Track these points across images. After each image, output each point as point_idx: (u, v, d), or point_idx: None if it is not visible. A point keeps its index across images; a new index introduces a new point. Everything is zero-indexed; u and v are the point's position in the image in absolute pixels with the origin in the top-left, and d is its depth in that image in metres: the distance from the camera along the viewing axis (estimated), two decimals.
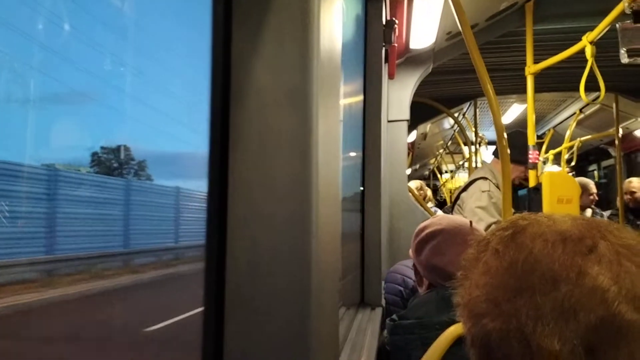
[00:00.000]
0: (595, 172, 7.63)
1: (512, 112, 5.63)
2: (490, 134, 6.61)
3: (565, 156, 5.71)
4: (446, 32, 2.62)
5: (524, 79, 2.73)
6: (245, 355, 0.54)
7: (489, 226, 2.20)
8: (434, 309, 1.13)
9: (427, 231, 1.29)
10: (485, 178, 2.43)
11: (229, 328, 0.54)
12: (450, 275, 1.23)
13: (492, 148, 3.00)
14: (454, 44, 2.80)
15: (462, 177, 8.45)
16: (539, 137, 5.83)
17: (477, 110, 5.28)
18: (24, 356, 3.51)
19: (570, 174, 6.51)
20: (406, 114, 2.75)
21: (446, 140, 7.98)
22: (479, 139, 5.67)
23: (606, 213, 4.38)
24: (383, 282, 1.85)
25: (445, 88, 4.12)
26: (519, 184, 2.82)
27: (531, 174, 2.78)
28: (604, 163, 7.48)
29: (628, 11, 1.88)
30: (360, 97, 1.96)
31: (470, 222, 1.29)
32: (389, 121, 2.61)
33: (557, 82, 3.83)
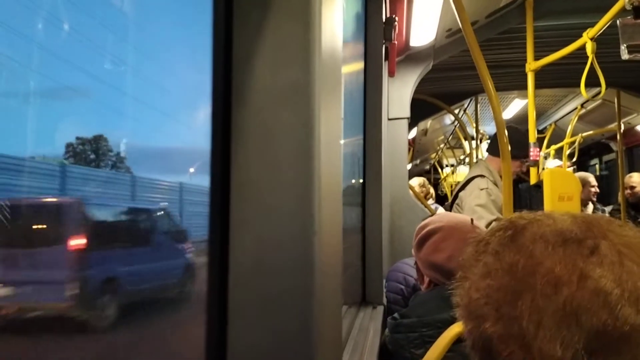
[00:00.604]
0: (597, 167, 7.62)
1: (513, 108, 5.62)
2: (491, 129, 6.60)
3: (567, 151, 5.70)
4: (446, 29, 2.62)
5: (525, 75, 2.72)
6: (249, 353, 0.54)
7: (489, 224, 2.20)
8: (435, 307, 1.13)
9: (427, 228, 1.29)
10: (482, 176, 2.43)
11: (233, 325, 0.54)
12: (449, 272, 1.23)
13: None
14: (454, 41, 2.80)
15: (463, 172, 8.41)
16: (540, 132, 5.82)
17: (478, 105, 5.28)
18: None
19: (571, 168, 6.51)
20: (407, 112, 2.75)
21: (447, 135, 7.96)
22: (479, 135, 5.66)
23: (607, 208, 4.37)
24: (384, 281, 1.86)
25: (445, 85, 4.12)
26: (517, 178, 2.82)
27: (532, 170, 2.78)
28: (606, 157, 7.47)
29: (628, 7, 1.87)
30: (361, 95, 1.96)
31: (472, 219, 1.29)
32: (389, 119, 2.61)
33: (558, 78, 3.82)
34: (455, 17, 1.53)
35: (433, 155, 10.46)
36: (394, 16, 2.12)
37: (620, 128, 4.45)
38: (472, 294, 0.51)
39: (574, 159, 5.82)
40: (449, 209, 2.71)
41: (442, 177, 10.55)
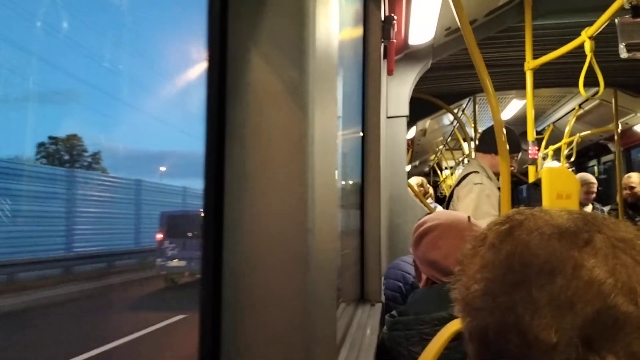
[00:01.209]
0: (595, 168, 7.62)
1: (512, 108, 5.62)
2: None
3: (565, 152, 5.70)
4: (445, 28, 2.61)
5: (523, 74, 2.72)
6: (243, 353, 0.54)
7: (485, 219, 2.20)
8: (433, 304, 1.13)
9: (424, 226, 1.29)
10: (477, 172, 2.43)
11: (226, 325, 0.54)
12: (446, 269, 1.23)
13: None
14: (453, 40, 2.80)
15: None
16: (538, 132, 5.82)
17: (477, 106, 5.28)
18: None
19: (570, 169, 6.51)
20: (405, 110, 2.75)
21: (446, 136, 7.97)
22: (478, 135, 5.66)
23: (606, 208, 4.38)
24: (383, 278, 1.86)
25: (444, 84, 4.12)
26: (514, 180, 2.82)
27: (530, 169, 2.78)
28: (604, 158, 7.48)
29: (627, 6, 1.87)
30: (360, 94, 1.96)
31: (469, 217, 1.29)
32: (388, 117, 2.61)
33: (557, 77, 3.82)
34: (454, 16, 1.53)
35: (432, 157, 10.46)
36: (392, 14, 2.12)
37: (617, 128, 4.46)
38: (469, 286, 0.52)
39: (572, 160, 5.82)
40: (446, 207, 2.72)
41: (442, 179, 10.55)
